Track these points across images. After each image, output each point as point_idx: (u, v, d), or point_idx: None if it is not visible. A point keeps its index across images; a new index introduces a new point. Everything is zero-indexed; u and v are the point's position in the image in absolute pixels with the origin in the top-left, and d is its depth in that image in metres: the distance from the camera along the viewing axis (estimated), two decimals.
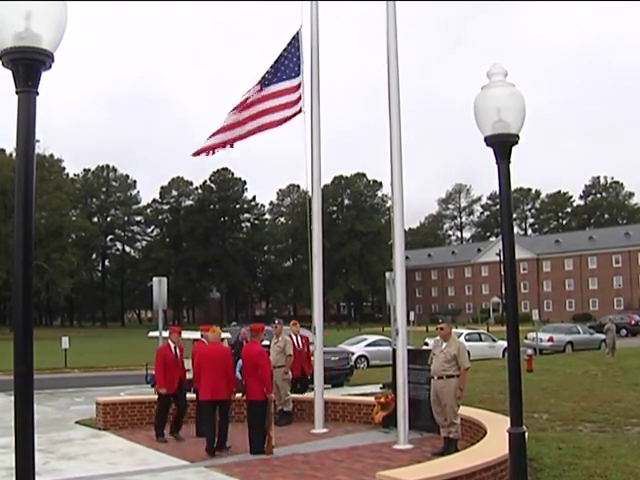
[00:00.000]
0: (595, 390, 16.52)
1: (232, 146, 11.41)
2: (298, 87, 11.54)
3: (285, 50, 11.64)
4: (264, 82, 11.49)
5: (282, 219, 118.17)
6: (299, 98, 11.50)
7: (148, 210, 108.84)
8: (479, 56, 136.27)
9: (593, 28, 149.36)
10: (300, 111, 11.52)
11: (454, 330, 13.22)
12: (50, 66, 3.49)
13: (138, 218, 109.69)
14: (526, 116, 5.58)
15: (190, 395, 11.53)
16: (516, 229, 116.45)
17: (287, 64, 11.58)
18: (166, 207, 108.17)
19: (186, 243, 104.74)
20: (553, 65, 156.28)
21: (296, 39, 11.68)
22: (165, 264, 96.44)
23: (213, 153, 11.45)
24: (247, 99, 11.42)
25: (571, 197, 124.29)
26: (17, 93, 3.43)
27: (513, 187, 6.04)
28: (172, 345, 11.42)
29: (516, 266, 5.90)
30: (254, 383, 9.75)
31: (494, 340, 31.75)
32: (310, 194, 11.81)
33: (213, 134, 11.34)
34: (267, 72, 11.56)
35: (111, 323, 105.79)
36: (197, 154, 11.49)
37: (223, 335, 11.91)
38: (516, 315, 5.67)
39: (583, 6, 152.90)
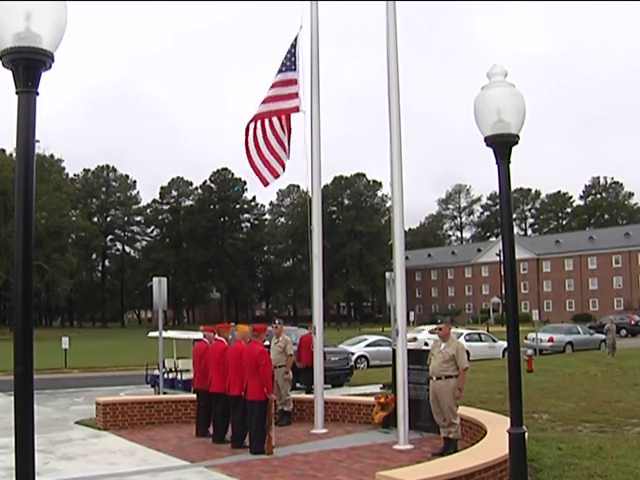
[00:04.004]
0: (595, 390, 16.51)
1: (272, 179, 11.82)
2: (294, 82, 11.56)
3: (288, 51, 11.70)
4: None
5: (282, 219, 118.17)
6: (296, 94, 11.51)
7: (148, 210, 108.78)
8: (479, 56, 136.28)
9: (591, 28, 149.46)
10: (296, 108, 11.54)
11: (454, 330, 13.25)
12: (50, 66, 3.49)
13: (138, 218, 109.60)
14: (526, 116, 5.58)
15: (190, 395, 11.48)
16: (516, 229, 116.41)
17: (286, 59, 11.64)
18: (166, 207, 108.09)
19: (186, 243, 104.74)
20: (552, 65, 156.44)
21: (296, 38, 11.70)
22: (165, 264, 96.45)
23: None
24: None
25: (571, 197, 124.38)
26: (17, 93, 3.43)
27: (513, 187, 6.04)
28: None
29: (516, 266, 5.90)
30: (255, 383, 9.75)
31: (494, 340, 31.74)
32: (310, 194, 11.81)
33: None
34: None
35: (111, 323, 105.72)
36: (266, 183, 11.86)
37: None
38: (516, 315, 5.67)
39: (586, 7, 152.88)
